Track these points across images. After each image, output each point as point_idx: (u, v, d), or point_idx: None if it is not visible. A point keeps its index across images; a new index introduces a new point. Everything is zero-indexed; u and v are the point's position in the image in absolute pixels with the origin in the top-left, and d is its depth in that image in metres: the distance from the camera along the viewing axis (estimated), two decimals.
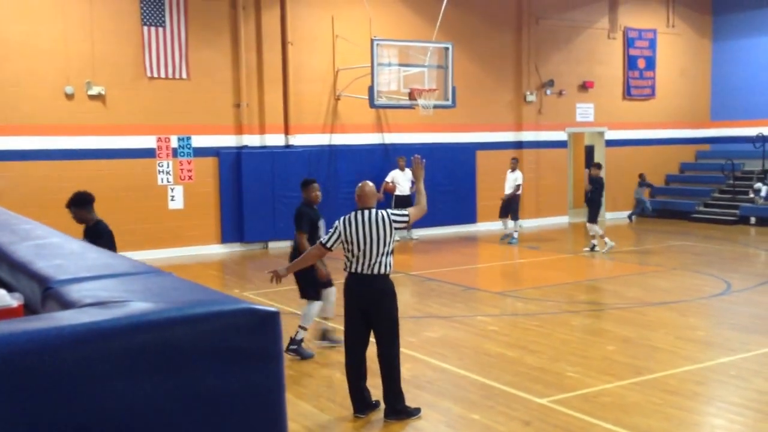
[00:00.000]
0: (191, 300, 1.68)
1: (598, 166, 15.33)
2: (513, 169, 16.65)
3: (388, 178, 16.52)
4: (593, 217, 14.93)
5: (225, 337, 1.55)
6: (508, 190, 16.57)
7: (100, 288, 1.81)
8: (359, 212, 6.13)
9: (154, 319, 1.51)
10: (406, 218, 6.18)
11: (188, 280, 1.94)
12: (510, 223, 16.56)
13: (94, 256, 2.41)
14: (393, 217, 6.12)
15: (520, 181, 16.54)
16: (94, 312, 1.55)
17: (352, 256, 6.09)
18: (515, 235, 16.52)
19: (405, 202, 15.46)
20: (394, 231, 6.11)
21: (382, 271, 6.07)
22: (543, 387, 6.83)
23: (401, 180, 16.42)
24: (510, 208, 16.54)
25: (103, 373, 1.41)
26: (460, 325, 9.35)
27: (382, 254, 6.06)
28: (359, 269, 6.08)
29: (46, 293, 1.90)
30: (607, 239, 14.90)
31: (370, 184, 6.43)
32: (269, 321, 1.60)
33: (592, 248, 15.01)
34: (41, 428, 1.36)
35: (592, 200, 15.01)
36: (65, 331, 1.42)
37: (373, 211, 6.14)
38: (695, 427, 6.04)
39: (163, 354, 1.48)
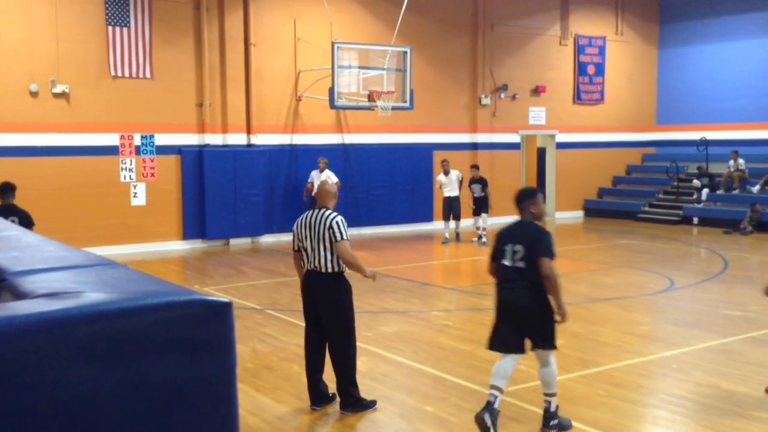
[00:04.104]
0: (144, 291, 1.67)
1: (478, 167, 16.90)
2: (447, 172, 16.45)
3: (309, 179, 16.52)
4: (486, 210, 16.41)
5: (177, 327, 1.54)
6: (452, 191, 16.44)
7: (54, 279, 1.79)
8: (311, 211, 6.23)
9: (106, 309, 1.50)
10: (338, 237, 6.02)
11: (142, 272, 1.95)
12: (452, 223, 16.66)
13: (50, 249, 2.38)
14: (333, 227, 6.04)
15: (461, 177, 16.62)
16: (45, 303, 1.54)
17: (305, 253, 6.23)
18: (458, 233, 16.81)
19: None
20: (331, 236, 6.04)
21: (329, 269, 6.09)
22: None
23: (317, 181, 16.01)
24: (455, 208, 16.52)
25: (54, 363, 1.40)
26: (415, 319, 9.51)
27: (327, 252, 6.08)
28: (309, 266, 6.19)
29: (0, 285, 1.87)
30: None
31: (328, 183, 6.55)
32: (221, 312, 1.60)
33: (480, 238, 16.24)
34: None
35: (485, 197, 16.40)
36: (16, 321, 1.40)
37: (324, 210, 6.17)
38: (639, 418, 6.22)
39: (114, 344, 1.47)
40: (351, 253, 6.10)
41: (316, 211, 6.21)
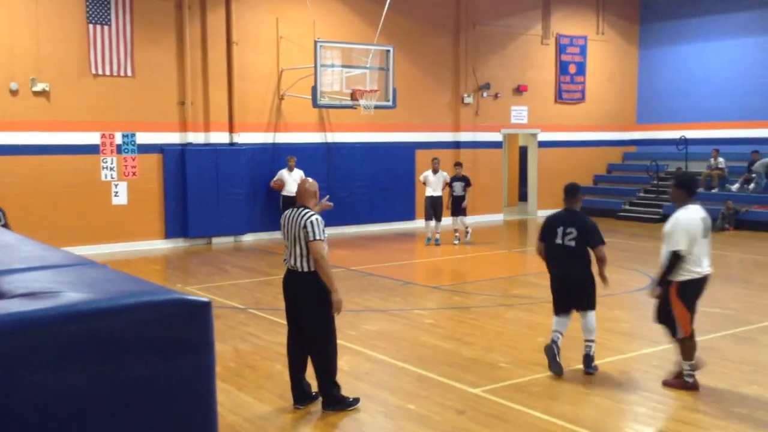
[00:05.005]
0: (123, 291, 1.66)
1: (461, 165, 16.51)
2: (436, 170, 15.98)
3: (276, 177, 16.45)
4: (464, 212, 16.12)
5: (156, 327, 1.54)
6: (436, 191, 15.94)
7: (33, 279, 1.78)
8: (291, 210, 6.21)
9: (84, 309, 1.50)
10: (311, 236, 5.96)
11: (121, 272, 1.93)
12: (433, 224, 16.01)
13: (29, 248, 2.36)
14: (308, 226, 5.97)
15: (448, 180, 16.07)
16: (23, 303, 1.53)
17: (285, 251, 6.24)
18: (438, 236, 16.14)
19: (292, 202, 15.38)
20: (305, 235, 5.98)
21: (305, 268, 6.03)
22: (476, 377, 7.04)
23: (289, 180, 16.10)
24: (439, 209, 15.99)
25: (32, 363, 1.39)
26: (397, 318, 9.53)
27: (302, 251, 6.02)
28: (288, 265, 6.18)
29: None
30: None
31: (310, 181, 6.39)
32: (200, 311, 1.60)
33: (466, 235, 16.11)
34: None
35: (464, 197, 15.97)
36: None
37: (302, 209, 6.11)
38: (620, 415, 6.26)
39: (93, 344, 1.46)
40: (322, 254, 5.96)
41: (296, 209, 6.19)
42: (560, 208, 7.50)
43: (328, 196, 7.10)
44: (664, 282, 6.62)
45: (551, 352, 7.10)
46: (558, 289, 7.31)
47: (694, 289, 6.61)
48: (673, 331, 6.73)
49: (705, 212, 6.78)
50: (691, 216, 6.61)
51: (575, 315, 7.38)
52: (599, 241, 7.13)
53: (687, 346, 6.73)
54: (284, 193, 16.09)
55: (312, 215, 6.05)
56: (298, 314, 6.23)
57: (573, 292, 7.23)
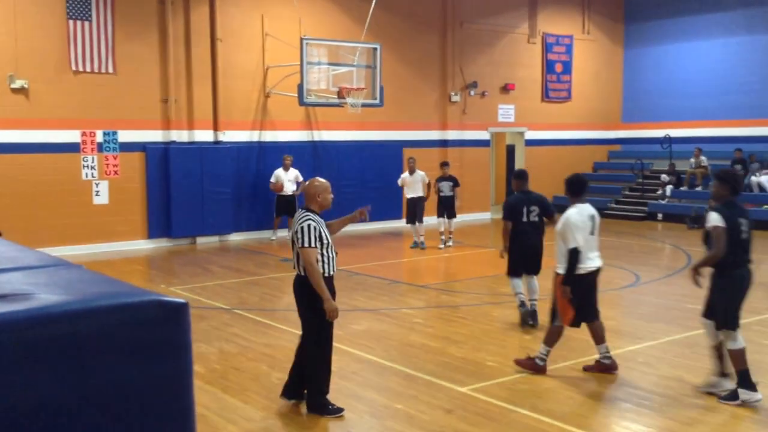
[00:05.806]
0: (97, 292, 1.63)
1: (448, 164, 15.77)
2: (413, 171, 15.34)
3: (272, 178, 16.23)
4: (453, 213, 15.45)
5: (131, 329, 1.51)
6: (415, 192, 15.28)
7: (5, 281, 1.75)
8: (299, 210, 6.12)
9: (57, 311, 1.47)
10: (300, 243, 5.84)
11: (97, 273, 1.89)
12: (416, 226, 15.31)
13: (1, 249, 2.34)
14: (298, 231, 5.87)
15: (428, 180, 15.39)
16: None
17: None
18: (422, 239, 15.47)
19: (287, 202, 15.39)
20: (297, 241, 5.88)
21: (300, 270, 5.96)
22: (464, 376, 7.06)
23: (284, 179, 15.98)
24: (419, 210, 15.31)
25: (3, 366, 1.36)
26: (385, 317, 9.52)
27: (296, 254, 5.95)
28: (292, 264, 6.14)
29: None
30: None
31: (316, 183, 6.15)
32: (177, 313, 1.58)
33: (446, 242, 15.51)
34: None
35: (453, 198, 15.25)
36: None
37: (302, 212, 6.02)
38: (606, 411, 6.33)
39: (66, 347, 1.43)
40: (310, 262, 5.81)
41: (299, 210, 6.12)
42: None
43: (369, 207, 6.79)
44: (570, 279, 6.88)
45: (526, 320, 8.73)
46: (522, 257, 8.79)
47: (579, 283, 6.91)
48: (553, 318, 7.05)
49: (594, 210, 7.25)
50: (579, 213, 7.06)
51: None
52: (554, 211, 8.73)
53: (553, 333, 7.06)
54: (280, 193, 16.05)
55: (306, 221, 5.90)
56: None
57: (533, 259, 8.83)
